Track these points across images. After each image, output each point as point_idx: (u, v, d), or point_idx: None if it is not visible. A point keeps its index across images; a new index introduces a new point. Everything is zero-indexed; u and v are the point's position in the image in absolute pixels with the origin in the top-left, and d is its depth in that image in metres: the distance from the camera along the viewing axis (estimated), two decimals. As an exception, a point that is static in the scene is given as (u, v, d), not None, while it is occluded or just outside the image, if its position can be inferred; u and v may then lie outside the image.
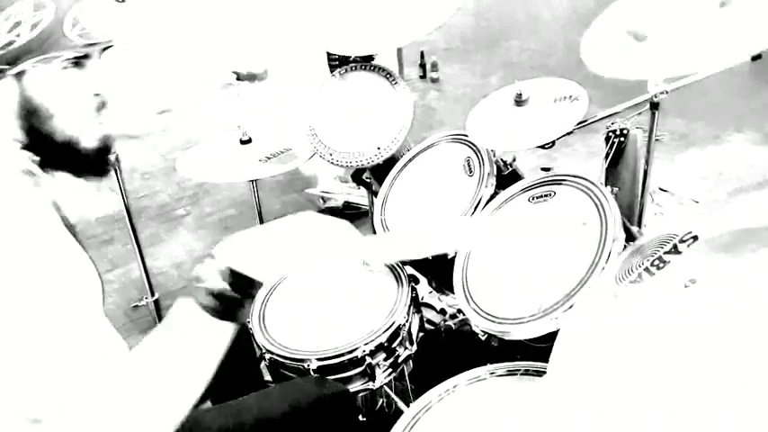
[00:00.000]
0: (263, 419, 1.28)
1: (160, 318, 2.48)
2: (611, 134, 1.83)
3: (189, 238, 3.46)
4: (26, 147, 0.99)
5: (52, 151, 1.01)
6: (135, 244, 2.29)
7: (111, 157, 1.06)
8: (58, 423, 1.02)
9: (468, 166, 1.77)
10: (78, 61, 0.99)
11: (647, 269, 1.02)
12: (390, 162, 1.95)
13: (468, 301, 1.48)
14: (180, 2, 4.23)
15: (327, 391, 1.40)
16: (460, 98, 4.89)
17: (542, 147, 1.65)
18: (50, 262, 0.93)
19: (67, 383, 0.94)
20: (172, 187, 3.95)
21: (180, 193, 3.89)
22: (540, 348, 1.35)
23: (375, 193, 1.99)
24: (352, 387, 1.51)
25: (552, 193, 1.53)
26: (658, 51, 1.43)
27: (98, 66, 1.03)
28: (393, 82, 1.96)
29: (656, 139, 1.77)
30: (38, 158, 1.01)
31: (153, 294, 2.43)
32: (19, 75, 0.95)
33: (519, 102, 1.72)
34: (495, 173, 1.71)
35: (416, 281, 1.92)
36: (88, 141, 1.03)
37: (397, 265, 1.69)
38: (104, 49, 1.03)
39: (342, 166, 1.94)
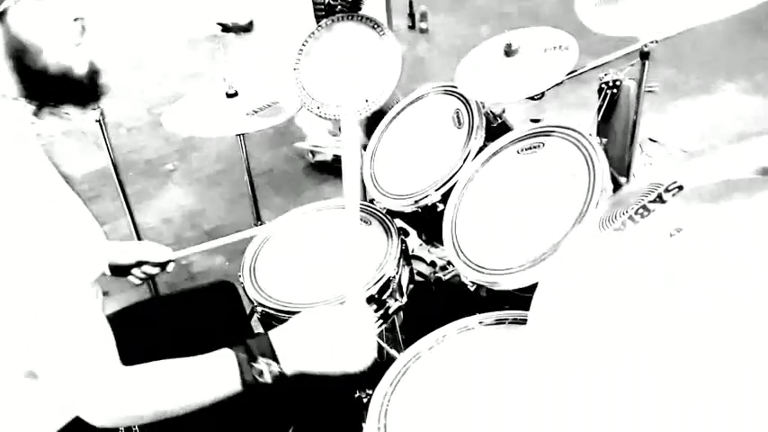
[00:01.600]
0: None
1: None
2: (603, 86, 1.81)
3: (178, 193, 3.44)
4: (23, 89, 0.99)
5: (49, 86, 1.00)
6: (123, 200, 2.28)
7: (102, 80, 1.07)
8: (55, 377, 1.04)
9: (458, 118, 1.76)
10: None
11: (630, 217, 1.02)
12: (379, 115, 1.93)
13: (457, 252, 1.49)
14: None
15: None
16: (450, 49, 4.83)
17: (532, 98, 1.64)
18: (56, 214, 0.93)
19: (66, 338, 0.96)
20: (158, 142, 3.91)
21: (167, 147, 3.85)
22: (529, 298, 1.37)
23: (364, 147, 1.98)
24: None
25: (541, 145, 1.53)
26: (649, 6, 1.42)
27: None
28: (381, 33, 1.93)
29: (648, 91, 1.76)
30: (34, 107, 1.01)
31: (143, 250, 2.43)
32: (1, 15, 0.92)
33: (509, 52, 1.70)
34: (485, 125, 1.71)
35: (406, 233, 1.93)
36: (80, 68, 1.02)
37: (387, 218, 1.69)
38: None
39: (329, 119, 1.92)
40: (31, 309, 0.91)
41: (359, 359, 1.07)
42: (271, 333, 1.07)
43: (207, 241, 1.73)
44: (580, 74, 1.73)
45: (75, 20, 1.00)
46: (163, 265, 1.60)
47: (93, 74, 1.05)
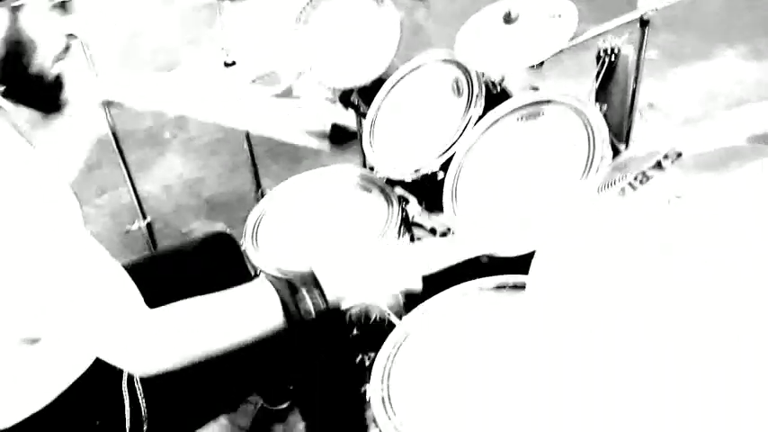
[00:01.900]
0: None
1: (153, 241, 2.50)
2: (602, 53, 1.80)
3: (177, 161, 3.44)
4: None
5: (22, 83, 1.06)
6: (124, 168, 2.29)
7: (63, 96, 1.14)
8: (55, 341, 1.07)
9: (457, 86, 1.76)
10: (64, 2, 1.06)
11: (630, 183, 1.04)
12: (378, 83, 1.93)
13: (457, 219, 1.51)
14: None
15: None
16: (449, 17, 4.77)
17: (532, 66, 1.64)
18: (17, 180, 0.95)
19: (59, 300, 0.97)
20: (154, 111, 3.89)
21: (165, 116, 3.83)
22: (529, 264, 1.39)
23: (363, 115, 1.98)
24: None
25: (541, 113, 1.54)
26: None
27: (78, 9, 1.10)
28: (379, 1, 1.92)
29: (648, 59, 1.75)
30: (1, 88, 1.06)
31: (144, 218, 2.45)
32: (16, 8, 0.99)
33: (508, 20, 1.69)
34: (484, 93, 1.71)
35: (406, 201, 1.94)
36: (50, 77, 1.09)
37: (387, 186, 1.71)
38: None
39: (328, 87, 1.92)
40: (39, 264, 0.93)
41: (399, 281, 1.14)
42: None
43: (207, 209, 1.74)
44: (580, 42, 1.72)
45: (68, 35, 1.10)
46: None
47: (58, 87, 1.12)
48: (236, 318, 1.07)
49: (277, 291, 1.07)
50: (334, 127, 3.34)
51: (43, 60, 1.07)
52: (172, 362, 1.04)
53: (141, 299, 1.02)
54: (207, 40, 4.19)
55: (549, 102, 1.53)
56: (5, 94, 1.06)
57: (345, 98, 2.10)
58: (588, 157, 1.36)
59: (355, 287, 1.14)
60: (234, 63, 2.03)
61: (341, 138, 3.32)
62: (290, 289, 1.09)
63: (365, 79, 1.86)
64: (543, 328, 0.88)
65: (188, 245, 1.73)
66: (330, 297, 1.10)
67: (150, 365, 1.03)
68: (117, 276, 1.01)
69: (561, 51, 1.61)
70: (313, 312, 1.09)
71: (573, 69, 3.03)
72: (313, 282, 1.11)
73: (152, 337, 1.01)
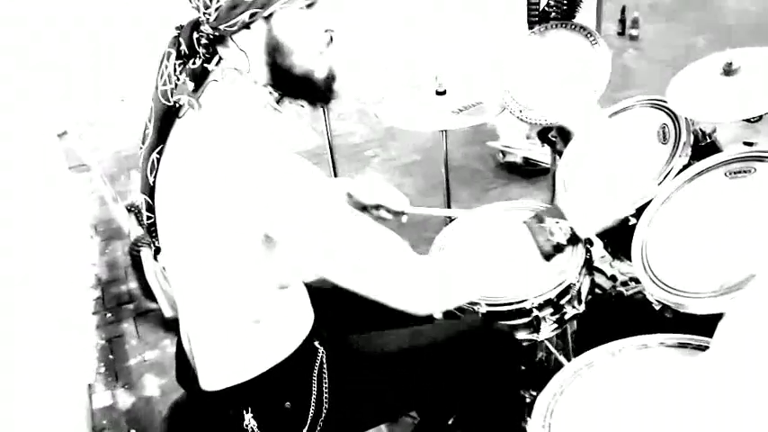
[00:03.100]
0: (435, 343, 1.42)
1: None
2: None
3: (375, 178, 3.67)
4: (271, 80, 1.17)
5: (292, 83, 1.17)
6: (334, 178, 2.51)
7: (336, 86, 1.23)
8: (275, 323, 1.22)
9: (663, 133, 1.72)
10: (312, 2, 1.13)
11: None
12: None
13: (645, 268, 1.47)
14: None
15: (494, 329, 1.50)
16: (660, 60, 4.58)
17: (748, 120, 1.56)
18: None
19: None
20: (364, 129, 4.18)
21: (371, 135, 4.11)
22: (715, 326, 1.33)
23: (559, 153, 2.00)
24: (517, 336, 1.58)
25: (752, 170, 1.46)
26: None
27: (329, 5, 1.16)
28: (593, 42, 1.93)
29: None
30: (277, 95, 1.19)
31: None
32: (268, 17, 1.10)
33: (728, 71, 1.63)
34: (692, 143, 1.65)
35: (591, 243, 1.92)
36: (320, 73, 1.19)
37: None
38: None
39: (530, 123, 1.96)
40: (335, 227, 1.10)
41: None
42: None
43: (395, 229, 1.87)
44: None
45: (326, 31, 1.17)
46: (398, 214, 1.70)
47: (330, 79, 1.21)
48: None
49: (527, 224, 1.23)
50: (526, 161, 3.38)
51: (303, 60, 1.15)
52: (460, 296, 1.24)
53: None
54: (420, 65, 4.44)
55: (762, 159, 1.45)
56: (284, 94, 1.20)
57: (544, 134, 2.13)
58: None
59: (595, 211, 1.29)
60: (445, 92, 2.15)
61: (531, 172, 3.34)
62: (537, 218, 1.24)
63: (568, 119, 1.88)
64: (722, 394, 0.85)
65: None
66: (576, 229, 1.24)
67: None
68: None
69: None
70: (564, 239, 1.22)
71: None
72: (557, 213, 1.25)
73: (438, 276, 1.17)
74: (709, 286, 1.32)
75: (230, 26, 1.10)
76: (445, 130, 2.20)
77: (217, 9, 1.08)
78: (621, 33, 5.19)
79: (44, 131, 3.17)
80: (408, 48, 4.92)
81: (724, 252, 1.37)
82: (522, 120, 1.98)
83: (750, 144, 1.64)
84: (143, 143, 1.21)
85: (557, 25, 2.01)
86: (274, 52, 1.13)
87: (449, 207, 2.42)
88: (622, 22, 5.16)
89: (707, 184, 1.53)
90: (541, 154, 3.31)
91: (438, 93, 2.15)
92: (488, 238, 1.74)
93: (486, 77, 2.24)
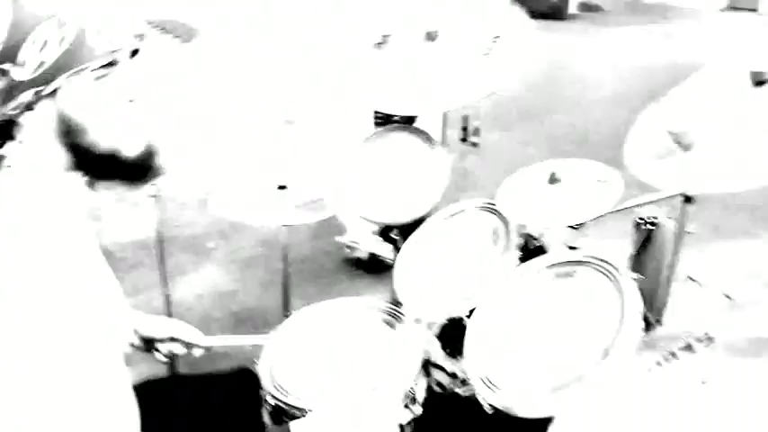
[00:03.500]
0: None
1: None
2: (640, 221, 1.83)
3: (214, 271, 3.50)
4: (73, 163, 1.02)
5: (97, 163, 1.03)
6: (161, 272, 2.34)
7: (158, 162, 1.08)
8: None
9: (495, 235, 1.78)
10: (107, 68, 0.99)
11: (658, 362, 1.01)
12: (419, 221, 1.97)
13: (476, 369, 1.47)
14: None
15: None
16: (498, 165, 4.91)
17: (571, 226, 1.67)
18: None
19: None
20: (206, 219, 4.02)
21: (213, 225, 3.95)
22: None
23: (398, 249, 2.01)
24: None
25: (574, 273, 1.53)
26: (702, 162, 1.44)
27: (130, 71, 1.03)
28: (432, 145, 2.01)
29: (688, 233, 1.76)
30: (85, 177, 1.04)
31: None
32: (53, 93, 0.96)
33: (552, 180, 1.74)
34: (522, 245, 1.72)
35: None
36: (130, 149, 1.04)
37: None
38: (133, 52, 1.03)
39: (371, 221, 1.96)
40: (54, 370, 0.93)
41: None
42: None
43: (233, 323, 1.75)
44: (621, 210, 1.75)
45: (130, 101, 1.03)
46: (191, 347, 1.59)
47: (148, 156, 1.07)
48: None
49: None
50: (372, 257, 3.39)
51: (105, 136, 1.01)
52: None
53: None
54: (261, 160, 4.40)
55: (582, 263, 1.53)
56: (93, 177, 1.04)
57: (386, 233, 2.15)
58: (619, 324, 1.34)
59: None
60: (285, 187, 2.12)
61: (378, 268, 3.35)
62: None
63: (407, 218, 1.91)
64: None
65: (212, 375, 1.71)
66: None
67: None
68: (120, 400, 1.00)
69: (603, 216, 1.64)
70: None
71: (615, 232, 3.05)
72: None
73: None
74: (539, 386, 1.33)
75: (13, 110, 0.95)
76: (288, 225, 2.15)
77: None
78: (464, 140, 5.53)
79: None
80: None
81: (551, 352, 1.40)
82: (362, 218, 1.98)
83: (573, 248, 1.75)
84: None
85: (398, 128, 2.08)
86: (68, 132, 0.99)
87: (287, 304, 2.33)
88: (465, 129, 5.52)
89: (534, 285, 1.59)
90: (387, 250, 3.34)
91: (280, 187, 2.11)
92: (324, 340, 1.68)
93: (328, 173, 2.24)
